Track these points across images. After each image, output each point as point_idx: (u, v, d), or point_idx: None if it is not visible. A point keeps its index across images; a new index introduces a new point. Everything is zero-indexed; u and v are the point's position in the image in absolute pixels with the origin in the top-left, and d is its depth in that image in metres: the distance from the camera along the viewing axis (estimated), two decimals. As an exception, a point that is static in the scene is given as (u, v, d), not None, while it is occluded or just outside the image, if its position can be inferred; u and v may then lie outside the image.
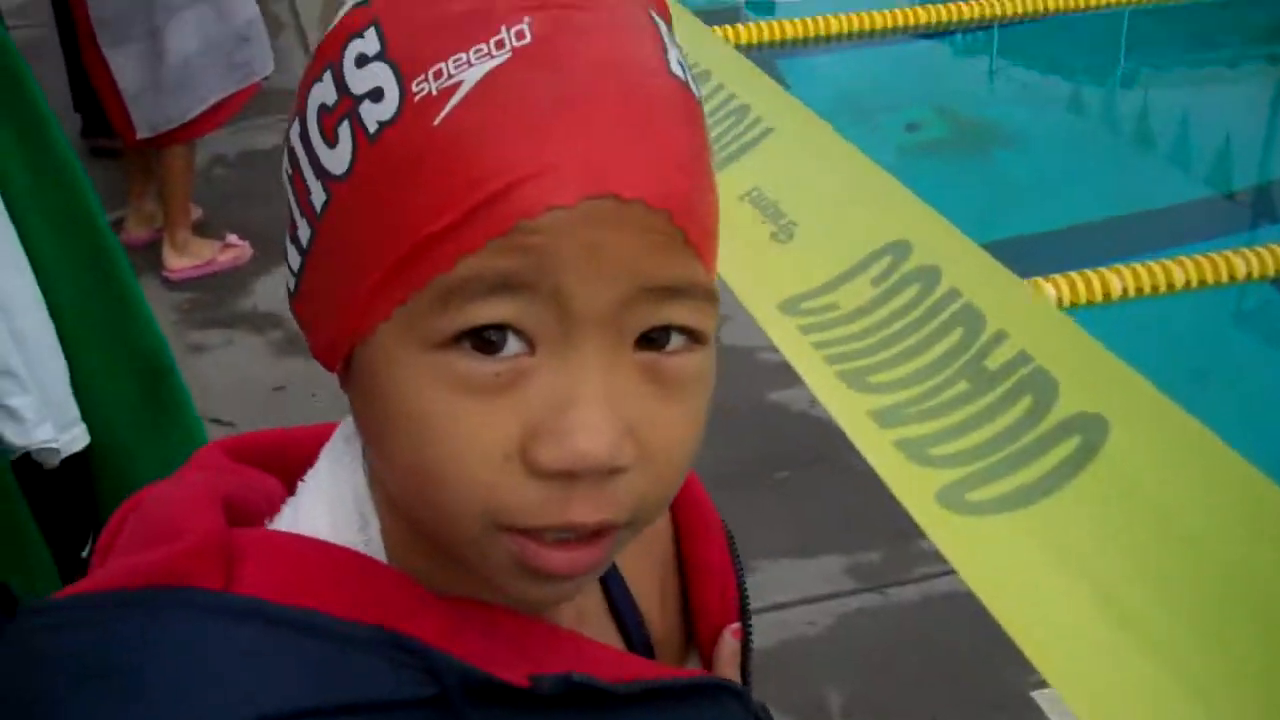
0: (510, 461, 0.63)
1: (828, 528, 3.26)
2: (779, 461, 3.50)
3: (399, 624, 0.68)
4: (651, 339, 0.65)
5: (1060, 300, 4.29)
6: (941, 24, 7.13)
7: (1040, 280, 4.34)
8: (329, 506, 0.73)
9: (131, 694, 0.62)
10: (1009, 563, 1.55)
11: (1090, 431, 1.59)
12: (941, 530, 1.43)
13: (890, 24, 7.07)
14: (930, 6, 7.15)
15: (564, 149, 0.60)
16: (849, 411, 1.63)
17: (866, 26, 7.02)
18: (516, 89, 0.61)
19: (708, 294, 0.66)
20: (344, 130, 0.64)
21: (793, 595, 2.98)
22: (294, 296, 0.72)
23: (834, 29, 6.98)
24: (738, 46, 6.64)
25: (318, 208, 0.66)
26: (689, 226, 0.63)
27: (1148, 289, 4.41)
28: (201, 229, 4.66)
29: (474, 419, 0.63)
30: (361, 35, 0.65)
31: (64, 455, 1.98)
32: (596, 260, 0.61)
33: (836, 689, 2.80)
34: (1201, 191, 5.74)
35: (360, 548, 0.72)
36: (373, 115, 0.63)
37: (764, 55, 6.60)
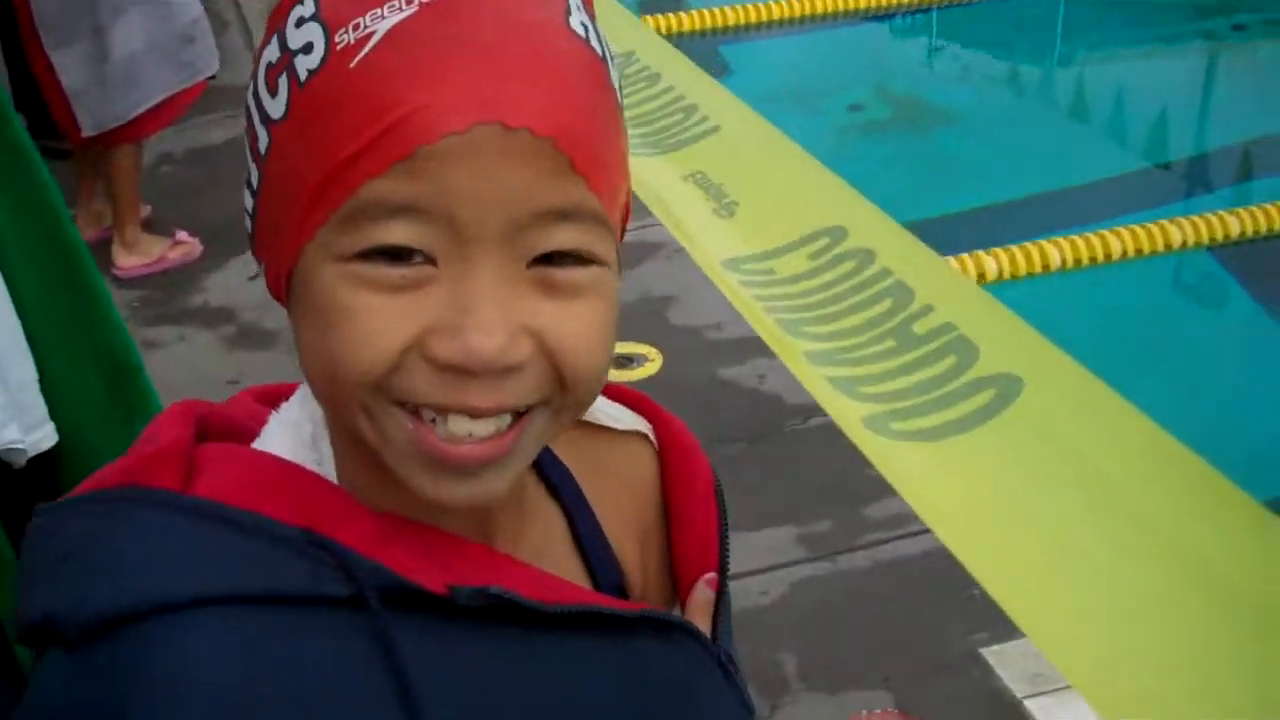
0: (409, 353, 0.71)
1: (778, 499, 3.32)
2: (729, 436, 3.56)
3: (327, 529, 0.75)
4: (546, 259, 0.72)
5: (1001, 273, 4.38)
6: (882, 7, 7.21)
7: (982, 254, 4.42)
8: (290, 430, 0.82)
9: (81, 574, 0.72)
10: (930, 480, 1.65)
11: (1005, 387, 1.68)
12: (871, 447, 1.52)
13: (831, 8, 7.14)
14: (869, -11, 7.24)
15: (459, 85, 0.68)
16: (785, 349, 1.71)
17: (808, 11, 7.10)
18: (422, 36, 0.69)
19: (597, 218, 0.73)
20: (282, 81, 0.73)
21: (746, 566, 3.04)
22: (251, 240, 0.80)
23: (776, 14, 7.05)
24: (681, 34, 6.71)
25: (263, 151, 0.75)
26: (576, 155, 0.71)
27: (1086, 260, 4.50)
28: (150, 226, 4.68)
29: (379, 312, 0.70)
30: (302, 2, 0.74)
31: (31, 455, 1.98)
32: (487, 185, 0.69)
33: (792, 654, 2.86)
34: (1138, 164, 5.84)
35: (312, 466, 0.79)
36: (304, 65, 0.72)
37: (707, 41, 6.66)
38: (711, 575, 0.92)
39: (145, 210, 4.71)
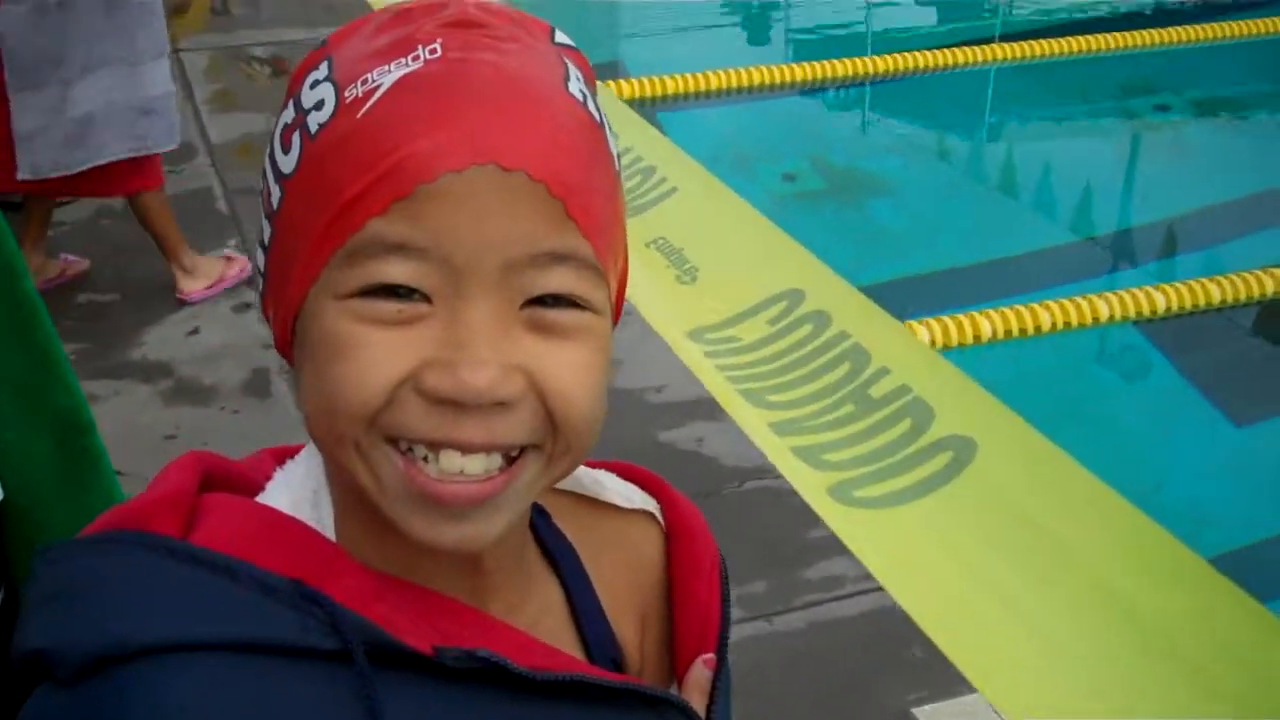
0: (404, 387, 0.73)
1: (715, 561, 3.35)
2: (667, 499, 3.58)
3: (320, 583, 0.76)
4: (539, 300, 0.75)
5: (934, 342, 4.46)
6: (817, 80, 7.34)
7: (914, 324, 4.50)
8: (293, 486, 0.84)
9: (73, 612, 0.74)
10: (893, 545, 1.67)
11: (960, 450, 1.72)
12: (835, 518, 1.54)
13: (767, 80, 7.26)
14: (806, 64, 7.37)
15: (458, 129, 0.72)
16: (750, 421, 1.74)
17: (745, 82, 7.21)
18: (424, 87, 0.73)
19: (590, 265, 0.76)
20: (295, 138, 0.77)
21: (683, 626, 3.06)
22: (262, 297, 0.83)
23: (713, 84, 7.15)
24: (619, 102, 6.79)
25: (275, 206, 0.78)
26: (569, 200, 0.74)
27: (1016, 331, 4.60)
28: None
29: (376, 345, 0.73)
30: (317, 68, 0.78)
31: None
32: (483, 225, 0.72)
33: (727, 714, 2.88)
34: (1065, 238, 5.97)
35: (311, 522, 0.81)
36: (315, 120, 0.76)
37: (645, 110, 6.75)
38: (709, 656, 0.92)
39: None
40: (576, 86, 0.78)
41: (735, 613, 3.39)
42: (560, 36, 0.81)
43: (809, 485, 1.48)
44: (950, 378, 1.72)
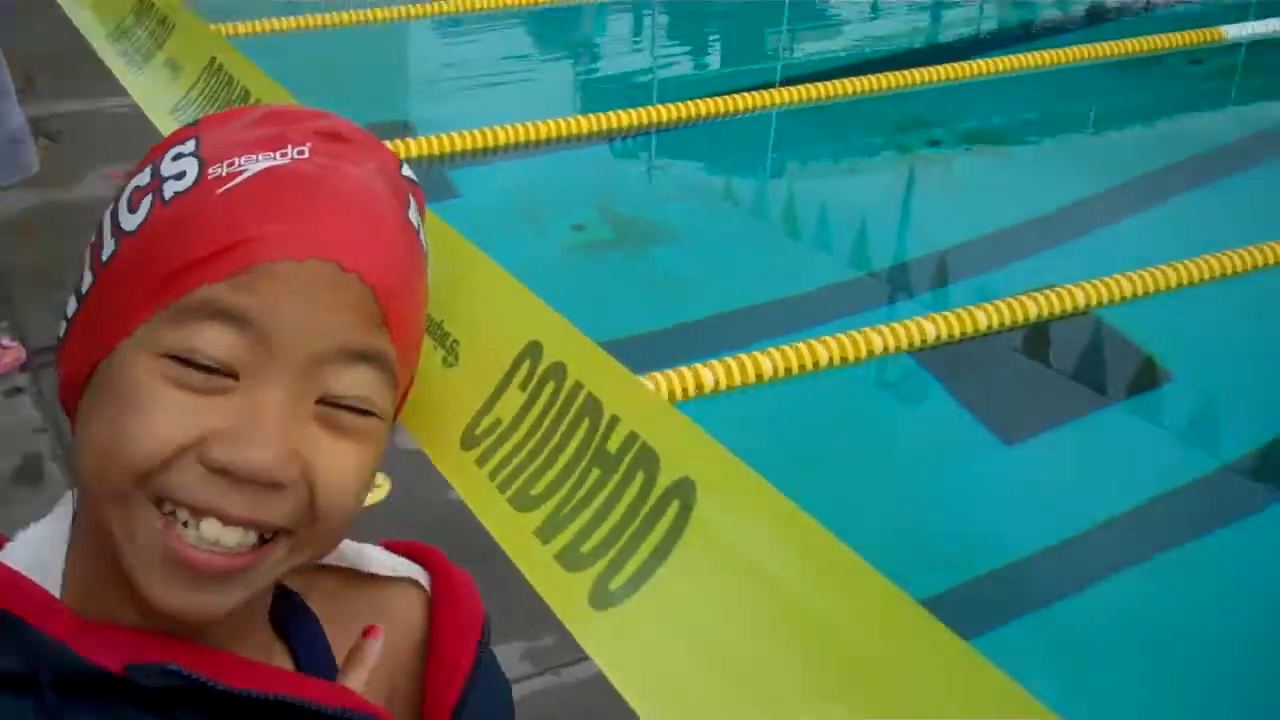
0: (186, 453, 0.77)
1: (506, 618, 3.36)
2: (458, 556, 3.59)
3: (20, 614, 0.78)
4: (332, 401, 0.80)
5: (716, 384, 4.55)
6: (603, 130, 7.44)
7: (700, 366, 4.59)
8: (30, 546, 0.86)
9: None
10: (644, 644, 1.63)
11: (685, 495, 1.73)
12: (595, 633, 1.46)
13: (556, 132, 7.33)
14: (592, 115, 7.47)
15: (308, 223, 0.78)
16: (516, 538, 1.69)
17: (534, 136, 7.27)
18: (287, 180, 0.80)
19: (389, 370, 0.83)
20: (146, 200, 0.82)
21: (474, 684, 3.07)
22: (61, 342, 0.86)
23: (502, 139, 7.20)
24: (408, 160, 6.78)
25: (105, 259, 0.82)
26: (389, 307, 0.81)
27: (796, 369, 4.71)
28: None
29: (174, 406, 0.77)
30: (184, 143, 0.84)
31: None
32: (307, 313, 0.77)
33: (519, 769, 2.90)
34: (847, 273, 6.13)
35: (37, 579, 0.82)
36: (171, 188, 0.81)
37: (436, 167, 6.77)
38: (375, 625, 0.95)
39: None
40: (414, 215, 0.86)
41: (524, 668, 3.41)
42: (406, 170, 0.89)
43: (571, 601, 1.44)
44: (666, 415, 1.73)
